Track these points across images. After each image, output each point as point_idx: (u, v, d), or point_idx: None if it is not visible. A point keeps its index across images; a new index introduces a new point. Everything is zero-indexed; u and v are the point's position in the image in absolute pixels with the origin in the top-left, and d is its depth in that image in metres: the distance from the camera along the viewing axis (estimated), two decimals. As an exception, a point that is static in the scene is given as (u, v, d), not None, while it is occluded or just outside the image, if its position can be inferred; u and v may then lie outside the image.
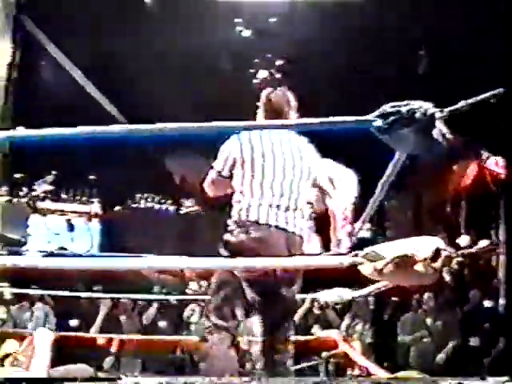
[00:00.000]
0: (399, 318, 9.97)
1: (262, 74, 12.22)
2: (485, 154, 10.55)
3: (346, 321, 9.97)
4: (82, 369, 6.26)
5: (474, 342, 8.95)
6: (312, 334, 9.15)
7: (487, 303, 9.37)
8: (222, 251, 3.86)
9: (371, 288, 5.57)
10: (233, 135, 3.92)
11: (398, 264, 2.39)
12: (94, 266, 2.63)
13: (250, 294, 3.83)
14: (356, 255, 2.48)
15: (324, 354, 8.38)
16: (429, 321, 9.63)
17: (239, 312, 3.86)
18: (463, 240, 10.51)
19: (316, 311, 10.08)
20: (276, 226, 3.84)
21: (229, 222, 3.94)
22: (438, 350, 9.19)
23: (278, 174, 3.89)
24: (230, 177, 3.96)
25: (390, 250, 2.44)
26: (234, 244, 3.84)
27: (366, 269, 2.47)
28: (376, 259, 2.41)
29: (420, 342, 9.45)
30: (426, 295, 9.80)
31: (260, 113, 4.18)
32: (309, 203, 4.18)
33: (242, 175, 3.91)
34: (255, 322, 7.83)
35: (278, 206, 3.85)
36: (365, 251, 2.46)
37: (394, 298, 10.64)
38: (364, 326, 9.76)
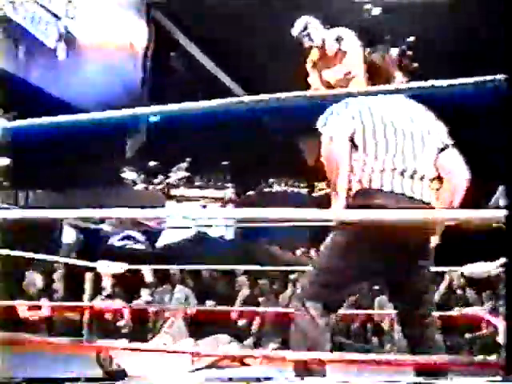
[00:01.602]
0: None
1: (393, 51, 12.03)
2: None
3: (487, 299, 9.64)
4: (222, 339, 6.45)
5: None
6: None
7: None
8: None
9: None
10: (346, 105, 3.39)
11: None
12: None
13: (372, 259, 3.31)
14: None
15: (468, 336, 8.18)
16: None
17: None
18: None
19: (456, 290, 9.82)
20: (402, 194, 3.33)
21: (350, 193, 3.42)
22: None
23: (399, 139, 3.39)
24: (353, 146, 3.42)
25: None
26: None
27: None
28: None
29: None
30: None
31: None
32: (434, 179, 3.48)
33: (364, 142, 3.39)
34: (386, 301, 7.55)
35: (402, 172, 3.35)
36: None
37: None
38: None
